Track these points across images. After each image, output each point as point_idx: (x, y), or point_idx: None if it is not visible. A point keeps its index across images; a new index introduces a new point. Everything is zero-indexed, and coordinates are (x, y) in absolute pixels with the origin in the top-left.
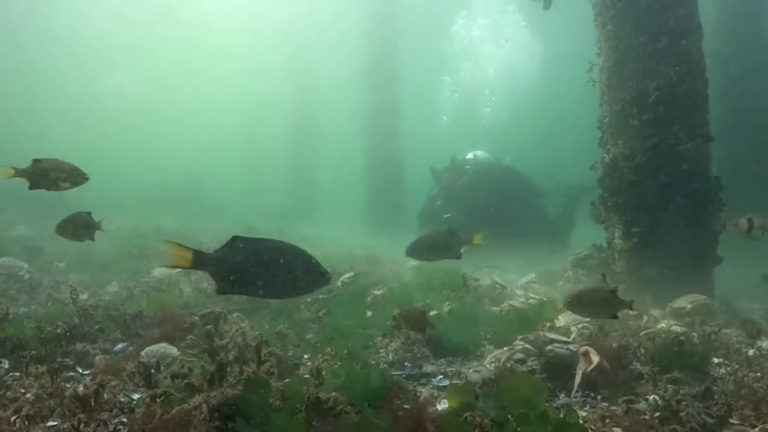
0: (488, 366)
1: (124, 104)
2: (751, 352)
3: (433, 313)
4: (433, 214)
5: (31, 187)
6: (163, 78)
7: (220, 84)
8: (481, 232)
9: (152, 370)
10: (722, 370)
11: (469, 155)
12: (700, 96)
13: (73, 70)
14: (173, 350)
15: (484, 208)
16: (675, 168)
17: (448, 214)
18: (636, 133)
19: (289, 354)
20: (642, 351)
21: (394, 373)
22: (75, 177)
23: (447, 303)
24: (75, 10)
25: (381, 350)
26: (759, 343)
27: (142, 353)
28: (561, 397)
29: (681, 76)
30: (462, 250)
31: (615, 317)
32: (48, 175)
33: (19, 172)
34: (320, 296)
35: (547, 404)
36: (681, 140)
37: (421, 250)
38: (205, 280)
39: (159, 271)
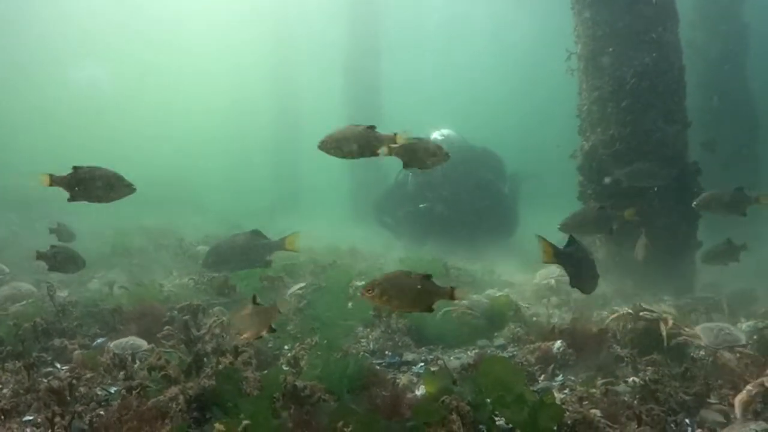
0: (469, 353)
1: (100, 101)
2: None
3: None
4: (401, 201)
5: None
6: (141, 75)
7: (201, 81)
8: (297, 234)
9: (128, 362)
10: (702, 352)
11: (438, 135)
12: (677, 82)
13: (45, 63)
14: (143, 342)
15: (465, 197)
16: (653, 154)
17: (424, 204)
18: (614, 120)
19: (269, 345)
20: (622, 335)
21: (374, 361)
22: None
23: None
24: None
25: (362, 340)
26: (739, 324)
27: (111, 345)
28: (540, 381)
29: (658, 63)
30: (270, 257)
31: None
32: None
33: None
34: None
35: (525, 387)
36: (659, 126)
37: (222, 259)
38: (185, 275)
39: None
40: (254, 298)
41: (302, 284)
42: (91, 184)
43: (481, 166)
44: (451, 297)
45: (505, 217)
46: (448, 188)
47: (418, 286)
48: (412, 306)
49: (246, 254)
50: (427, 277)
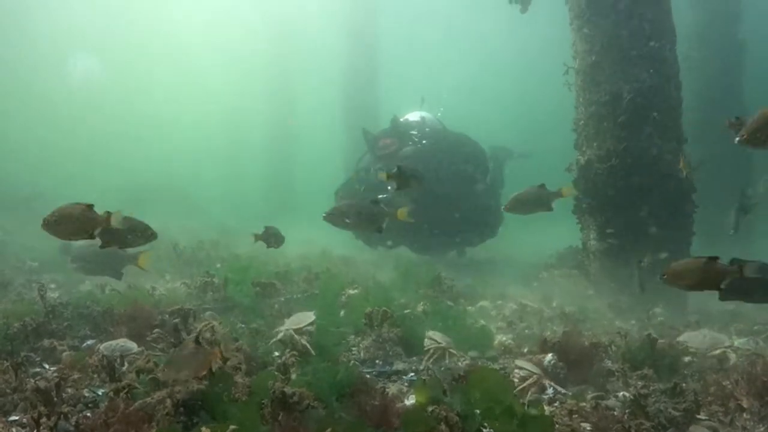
0: (460, 363)
1: (96, 96)
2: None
3: (407, 311)
4: (363, 194)
5: None
6: (137, 73)
7: (197, 85)
8: (149, 252)
9: (116, 364)
10: (693, 369)
11: (413, 116)
12: (673, 99)
13: (38, 57)
14: (133, 345)
15: (437, 188)
16: (648, 170)
17: (384, 195)
18: (610, 135)
19: (260, 351)
20: (613, 349)
21: (365, 370)
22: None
23: (421, 303)
24: None
25: (353, 348)
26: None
27: (101, 347)
28: (531, 393)
29: (654, 79)
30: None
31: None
32: None
33: None
34: (296, 296)
35: (513, 399)
36: (654, 142)
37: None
38: (178, 279)
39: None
40: (197, 338)
41: (308, 319)
42: (412, 181)
43: (459, 154)
44: (107, 223)
45: (486, 215)
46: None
47: (81, 214)
48: (77, 232)
49: (104, 261)
50: (89, 206)
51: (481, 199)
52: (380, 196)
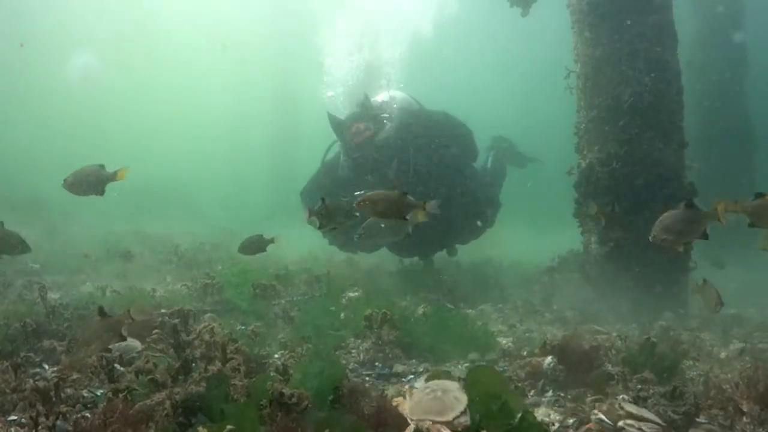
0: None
1: (95, 95)
2: (723, 354)
3: (406, 313)
4: (332, 187)
5: None
6: (138, 73)
7: (200, 91)
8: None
9: (115, 364)
10: (694, 372)
11: (382, 96)
12: (675, 103)
13: (36, 54)
14: (137, 344)
15: (420, 178)
16: (650, 174)
17: (360, 192)
18: (611, 139)
19: (261, 353)
20: (613, 353)
21: (364, 372)
22: None
23: (422, 305)
24: None
25: (353, 350)
26: (731, 346)
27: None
28: (530, 396)
29: (656, 83)
30: None
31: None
32: None
33: None
34: (296, 298)
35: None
36: (656, 146)
37: None
38: (178, 281)
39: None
40: (100, 309)
41: (458, 406)
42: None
43: (442, 137)
44: None
45: (477, 205)
46: (396, 168)
47: None
48: None
49: None
50: None
51: (472, 186)
52: (356, 193)
